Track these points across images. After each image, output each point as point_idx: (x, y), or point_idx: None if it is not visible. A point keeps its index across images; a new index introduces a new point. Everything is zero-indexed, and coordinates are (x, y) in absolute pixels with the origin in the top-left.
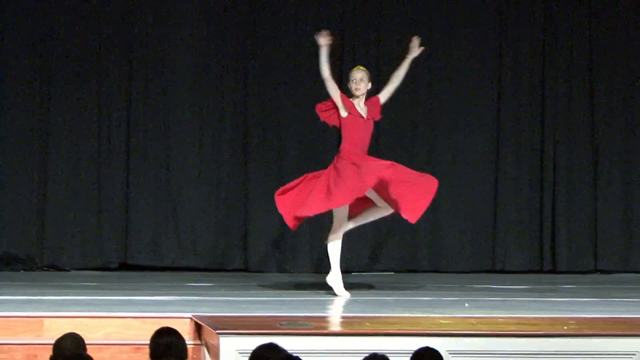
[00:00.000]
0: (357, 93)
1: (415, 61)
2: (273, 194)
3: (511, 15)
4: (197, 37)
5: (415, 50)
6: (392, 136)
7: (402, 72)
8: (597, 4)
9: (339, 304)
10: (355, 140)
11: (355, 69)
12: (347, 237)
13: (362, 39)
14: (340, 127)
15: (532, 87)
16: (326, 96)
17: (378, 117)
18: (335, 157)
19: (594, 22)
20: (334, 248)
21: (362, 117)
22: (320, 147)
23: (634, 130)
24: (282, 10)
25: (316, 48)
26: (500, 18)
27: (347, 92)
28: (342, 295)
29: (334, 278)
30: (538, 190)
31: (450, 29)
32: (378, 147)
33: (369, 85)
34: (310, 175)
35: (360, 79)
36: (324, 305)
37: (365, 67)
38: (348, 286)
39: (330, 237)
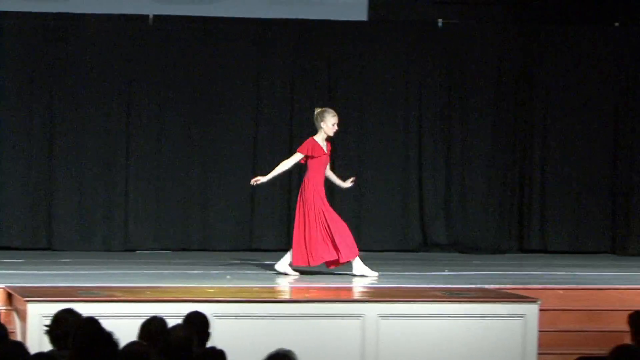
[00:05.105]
0: (334, 135)
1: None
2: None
3: None
4: None
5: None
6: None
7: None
8: None
9: (126, 276)
10: (321, 174)
11: (332, 113)
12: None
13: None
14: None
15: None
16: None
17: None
18: (312, 188)
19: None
20: None
21: (325, 154)
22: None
23: None
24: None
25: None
26: None
27: (314, 131)
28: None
29: None
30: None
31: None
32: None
33: None
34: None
35: (338, 123)
36: (114, 278)
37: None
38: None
39: None
